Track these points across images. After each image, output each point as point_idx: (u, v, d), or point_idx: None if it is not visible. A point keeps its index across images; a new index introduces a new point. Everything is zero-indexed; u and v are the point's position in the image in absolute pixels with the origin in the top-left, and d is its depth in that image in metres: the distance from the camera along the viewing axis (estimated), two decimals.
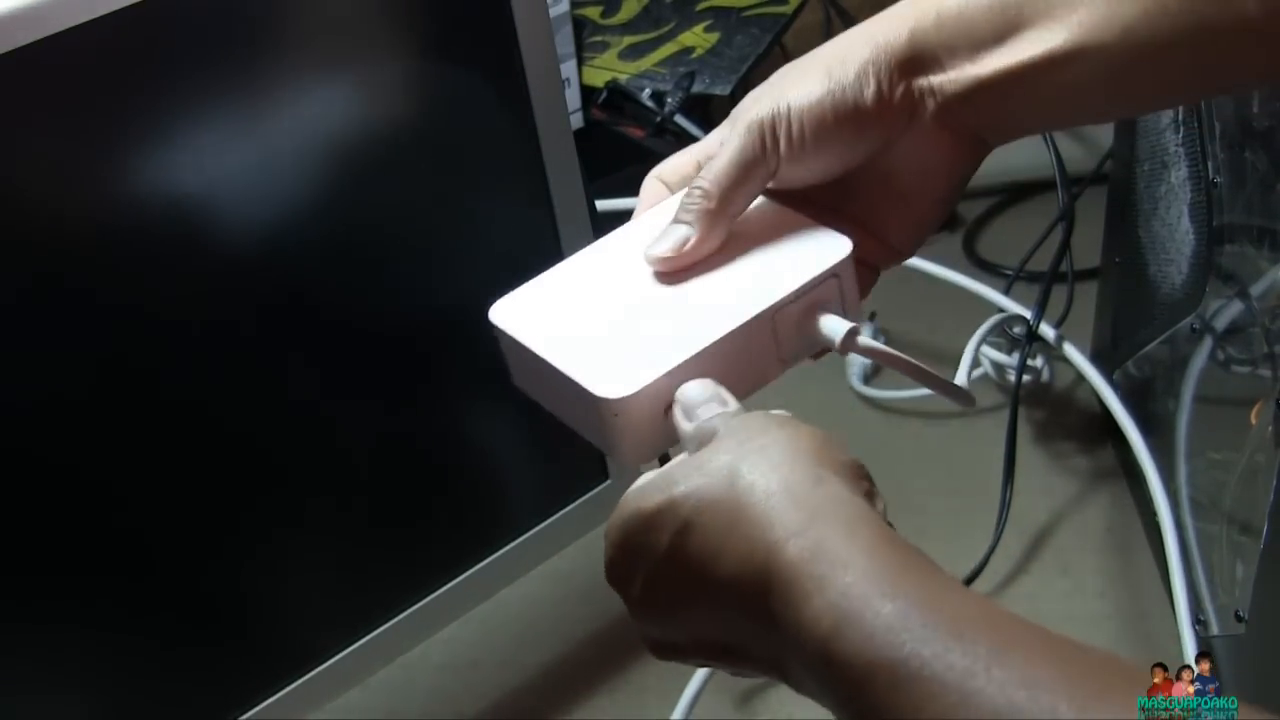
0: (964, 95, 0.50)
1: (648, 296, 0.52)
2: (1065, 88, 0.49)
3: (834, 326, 0.51)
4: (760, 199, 0.54)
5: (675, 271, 0.52)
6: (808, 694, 0.41)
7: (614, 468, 0.81)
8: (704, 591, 0.43)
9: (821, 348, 0.53)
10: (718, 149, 0.52)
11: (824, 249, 0.52)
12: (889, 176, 0.52)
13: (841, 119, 0.50)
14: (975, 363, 1.00)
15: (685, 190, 0.52)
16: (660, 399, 0.49)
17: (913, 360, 0.52)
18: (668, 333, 0.50)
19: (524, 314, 0.53)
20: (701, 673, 0.78)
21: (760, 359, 0.52)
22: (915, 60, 0.50)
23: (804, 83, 0.50)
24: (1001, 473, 0.89)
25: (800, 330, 0.52)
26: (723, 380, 0.49)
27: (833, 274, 0.51)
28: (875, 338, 1.07)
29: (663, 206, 0.54)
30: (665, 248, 0.51)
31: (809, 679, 0.40)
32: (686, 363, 0.49)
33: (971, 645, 0.36)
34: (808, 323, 0.52)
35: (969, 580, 0.86)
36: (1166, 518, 0.82)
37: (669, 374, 0.49)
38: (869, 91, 0.49)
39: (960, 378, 0.85)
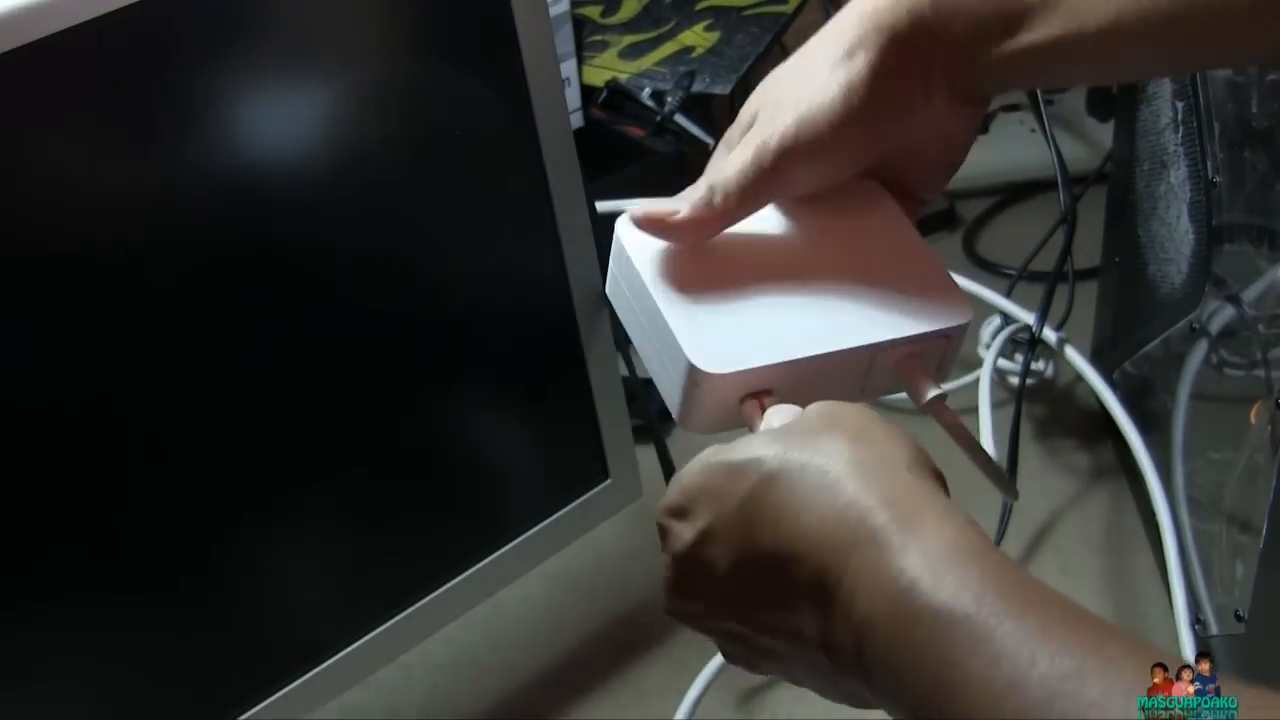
0: (969, 71, 0.51)
1: (768, 279, 0.53)
2: (1061, 62, 0.51)
3: (925, 387, 0.53)
4: (907, 229, 0.55)
5: (659, 233, 0.52)
6: (844, 665, 0.42)
7: (614, 467, 0.81)
8: (771, 544, 0.43)
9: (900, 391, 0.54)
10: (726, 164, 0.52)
11: (948, 310, 0.53)
12: (911, 145, 0.54)
13: (860, 117, 0.51)
14: (976, 368, 1.00)
15: (698, 183, 0.52)
16: (744, 386, 0.51)
17: (980, 444, 0.54)
18: (775, 328, 0.52)
19: (649, 241, 0.53)
20: (705, 674, 0.78)
21: (845, 382, 0.53)
22: (920, 44, 0.51)
23: (814, 86, 0.51)
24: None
25: (892, 373, 0.53)
26: (804, 388, 0.50)
27: (944, 335, 0.53)
28: None
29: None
30: (647, 210, 0.52)
31: (870, 640, 0.40)
32: (783, 364, 0.51)
33: (1041, 610, 0.38)
34: (902, 369, 0.53)
35: None
36: (1165, 517, 0.82)
37: (762, 369, 0.50)
38: (886, 82, 0.51)
39: (984, 386, 0.85)
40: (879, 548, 0.40)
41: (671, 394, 0.52)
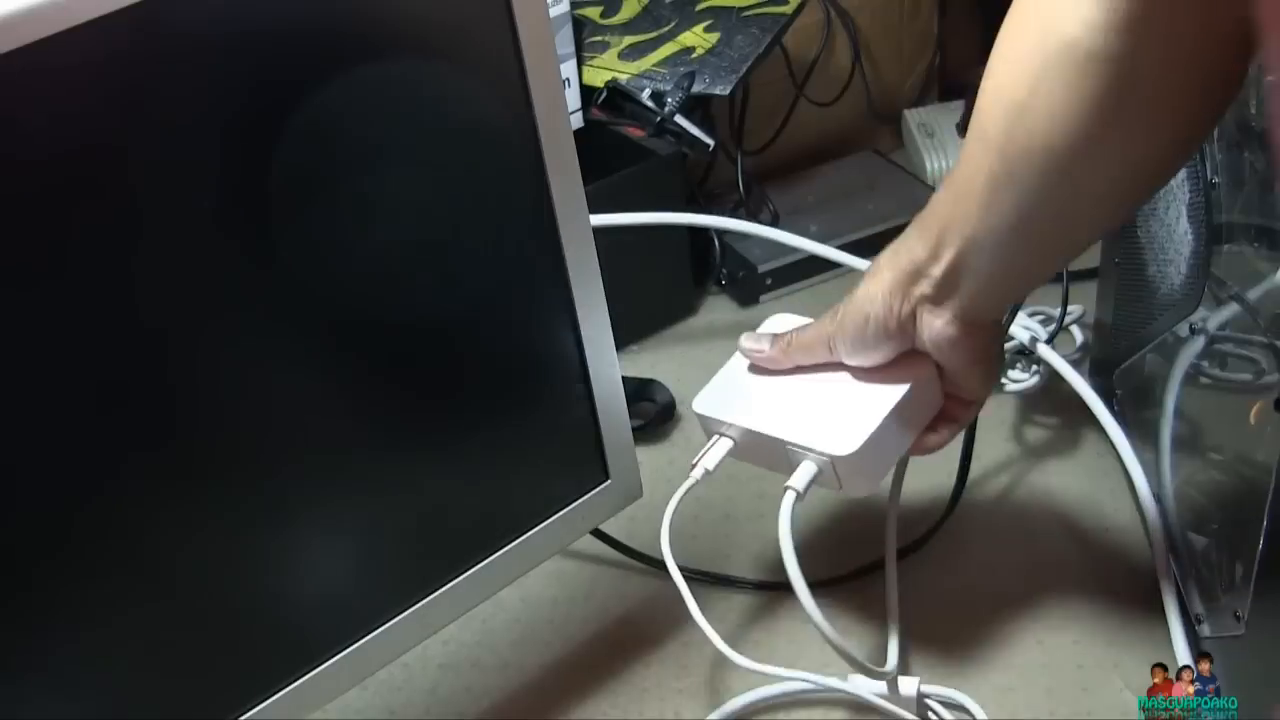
0: (935, 297, 0.70)
1: (794, 376, 0.78)
2: (974, 278, 0.68)
3: (797, 477, 0.74)
4: (893, 389, 0.74)
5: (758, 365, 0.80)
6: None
7: (614, 467, 0.81)
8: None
9: None
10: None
11: (838, 440, 0.73)
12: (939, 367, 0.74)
13: (876, 335, 0.73)
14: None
15: (790, 332, 0.78)
16: (716, 427, 0.79)
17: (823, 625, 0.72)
18: (755, 404, 0.77)
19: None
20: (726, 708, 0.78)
21: (776, 456, 0.76)
22: (908, 282, 0.70)
23: (852, 314, 0.73)
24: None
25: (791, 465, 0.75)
26: (753, 448, 0.77)
27: (825, 456, 0.73)
28: None
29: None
30: (750, 344, 0.80)
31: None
32: (736, 426, 0.77)
33: None
34: (802, 465, 0.75)
35: (921, 541, 0.86)
36: (1156, 520, 0.82)
37: (723, 422, 0.78)
38: (891, 316, 0.71)
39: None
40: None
41: None
